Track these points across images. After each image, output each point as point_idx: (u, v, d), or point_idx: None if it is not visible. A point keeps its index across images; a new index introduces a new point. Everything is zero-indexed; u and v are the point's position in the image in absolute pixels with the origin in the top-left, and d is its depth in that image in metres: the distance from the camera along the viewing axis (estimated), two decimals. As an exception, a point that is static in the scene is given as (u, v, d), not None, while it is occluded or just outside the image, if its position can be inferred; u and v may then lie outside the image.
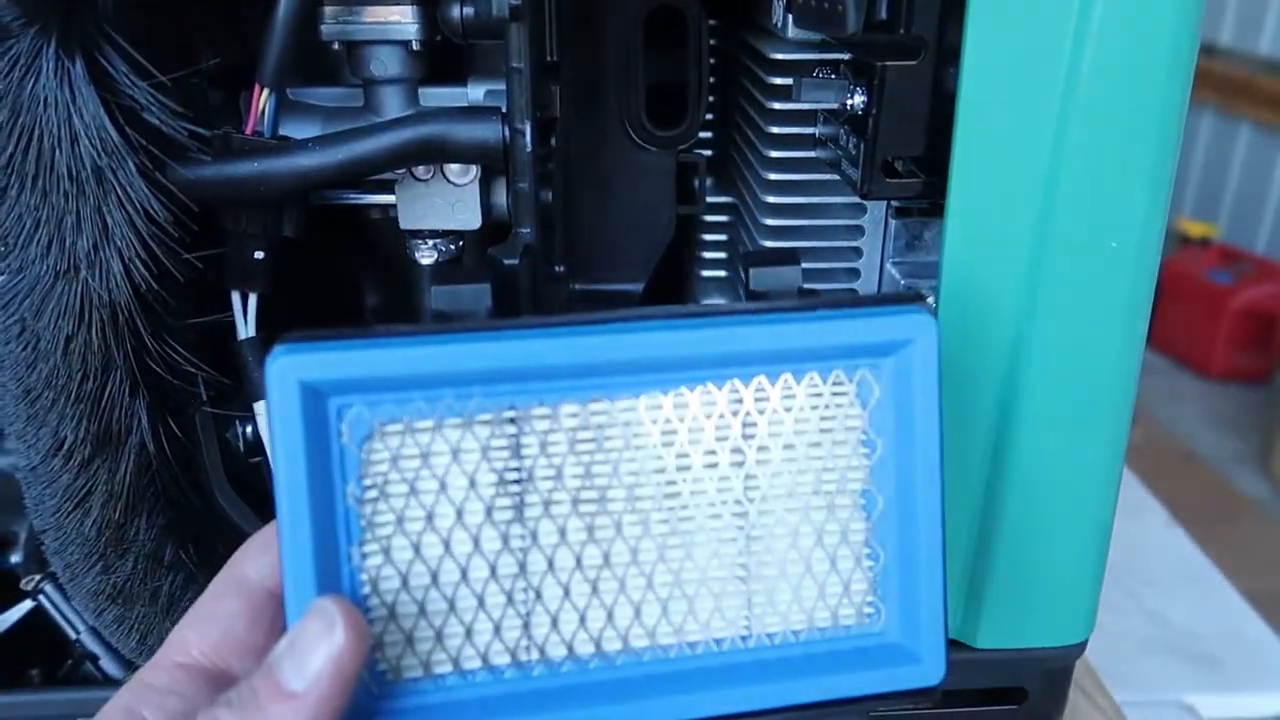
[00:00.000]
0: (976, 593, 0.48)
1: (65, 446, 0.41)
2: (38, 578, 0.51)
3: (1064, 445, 0.45)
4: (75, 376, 0.40)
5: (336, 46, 0.49)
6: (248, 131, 0.45)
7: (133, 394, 0.41)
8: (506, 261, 0.43)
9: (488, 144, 0.44)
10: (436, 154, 0.45)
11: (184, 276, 0.40)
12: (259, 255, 0.47)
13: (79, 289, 0.38)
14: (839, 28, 0.40)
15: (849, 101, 0.43)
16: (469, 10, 0.44)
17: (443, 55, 0.52)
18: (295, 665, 0.27)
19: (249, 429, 0.49)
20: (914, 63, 0.41)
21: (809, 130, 0.50)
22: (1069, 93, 0.39)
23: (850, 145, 0.44)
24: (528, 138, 0.43)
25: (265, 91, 0.45)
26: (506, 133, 0.44)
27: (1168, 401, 2.77)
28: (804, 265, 0.52)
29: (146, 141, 0.38)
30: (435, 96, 0.52)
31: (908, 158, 0.44)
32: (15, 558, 0.68)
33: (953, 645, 0.49)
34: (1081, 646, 0.50)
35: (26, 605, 0.53)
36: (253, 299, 0.48)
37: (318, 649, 0.27)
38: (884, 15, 0.40)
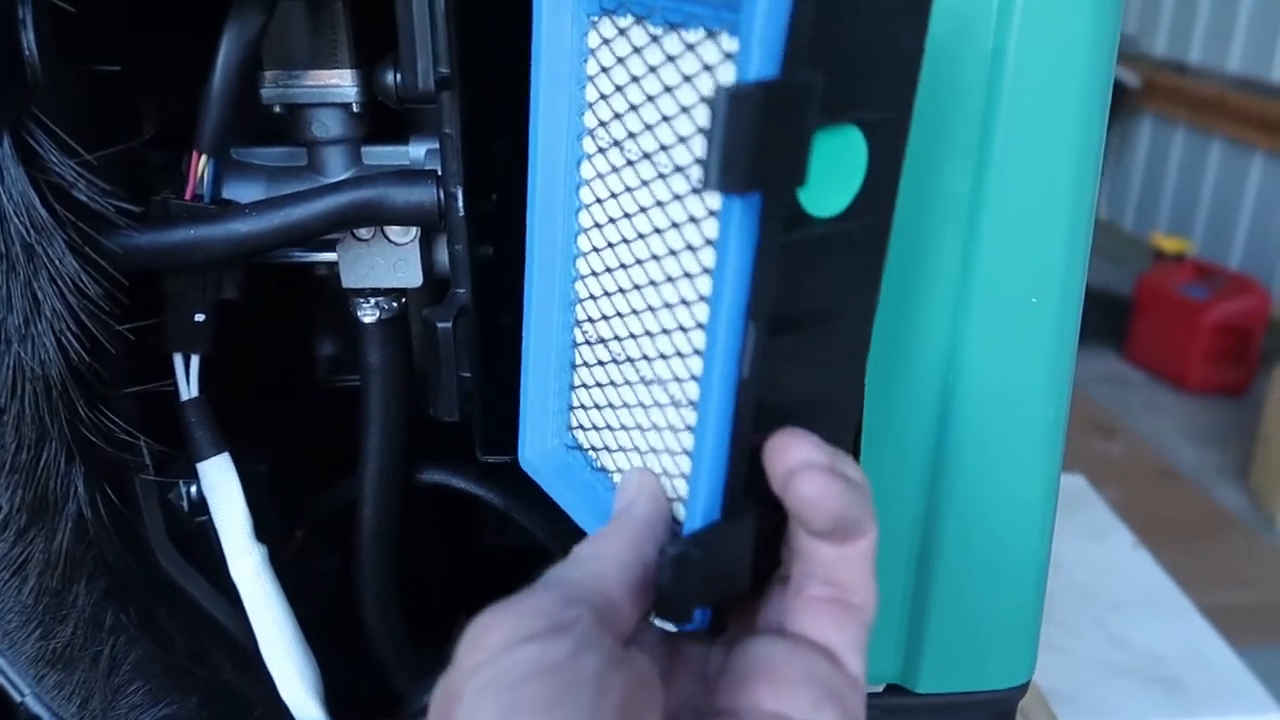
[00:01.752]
0: (916, 637, 0.49)
1: (1, 516, 0.41)
2: (-17, 640, 0.51)
3: (996, 490, 0.46)
4: (9, 447, 0.40)
5: (278, 109, 0.50)
6: (187, 196, 0.46)
7: (69, 463, 0.41)
8: (440, 325, 0.43)
9: (423, 207, 0.45)
10: (373, 217, 0.46)
11: (116, 348, 0.40)
12: (200, 318, 0.47)
13: (11, 363, 0.39)
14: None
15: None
16: (401, 77, 0.45)
17: (386, 113, 0.52)
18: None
19: (193, 489, 0.49)
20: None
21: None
22: (985, 146, 0.40)
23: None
24: (459, 201, 0.44)
25: (203, 157, 0.46)
26: (441, 195, 0.45)
27: (1146, 415, 2.79)
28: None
29: (76, 217, 0.38)
30: (378, 155, 0.52)
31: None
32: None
33: (894, 691, 0.50)
34: (1024, 688, 0.51)
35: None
36: (195, 360, 0.48)
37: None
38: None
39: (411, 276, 0.50)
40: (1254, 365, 2.83)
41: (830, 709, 0.29)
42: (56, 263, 0.38)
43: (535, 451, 0.42)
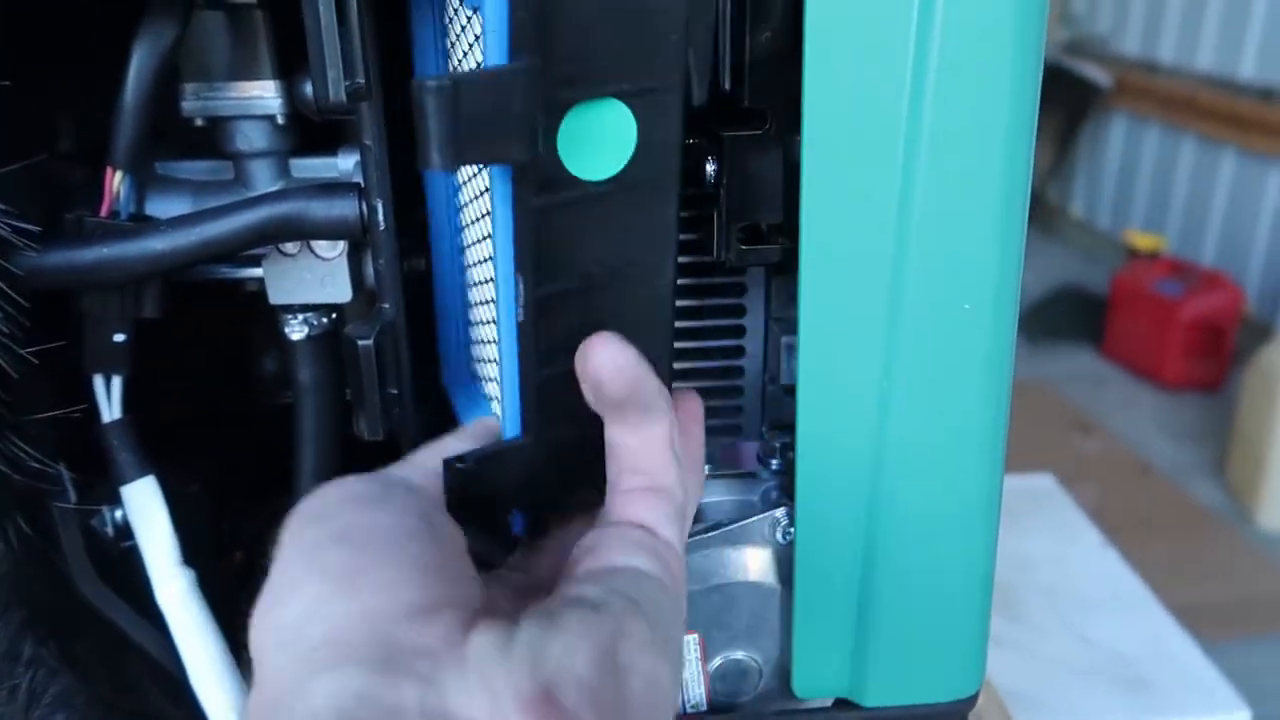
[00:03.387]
0: (862, 650, 0.48)
1: (-94, 548, 0.40)
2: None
3: (936, 500, 0.45)
4: (-89, 477, 0.39)
5: (200, 123, 0.49)
6: (103, 213, 0.45)
7: (-16, 490, 0.40)
8: (360, 342, 0.42)
9: (346, 221, 0.44)
10: (294, 232, 0.44)
11: (22, 372, 0.39)
12: (119, 338, 0.46)
13: (-90, 389, 0.38)
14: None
15: (707, 169, 0.43)
16: (314, 87, 0.44)
17: (315, 124, 0.51)
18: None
19: (118, 514, 0.48)
20: (758, 132, 0.41)
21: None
22: (910, 153, 0.39)
23: (710, 213, 0.44)
24: (381, 214, 0.43)
25: (118, 173, 0.45)
26: (364, 209, 0.44)
27: (1122, 411, 2.80)
28: (690, 323, 0.53)
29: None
30: (306, 167, 0.51)
31: (769, 224, 0.44)
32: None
33: (841, 705, 0.49)
34: (972, 700, 0.50)
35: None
36: (117, 381, 0.47)
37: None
38: (728, 87, 0.40)
39: (340, 292, 0.49)
40: (1228, 361, 2.85)
41: (645, 557, 0.34)
42: (-44, 284, 0.37)
43: (450, 378, 0.50)
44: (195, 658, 0.47)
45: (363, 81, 0.40)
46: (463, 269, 0.49)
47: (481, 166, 0.39)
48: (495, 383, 0.43)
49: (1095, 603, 0.99)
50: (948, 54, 0.38)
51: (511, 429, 0.38)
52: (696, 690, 0.50)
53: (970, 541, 0.46)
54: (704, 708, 0.51)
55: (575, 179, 0.35)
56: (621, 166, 0.36)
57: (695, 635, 0.49)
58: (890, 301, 0.41)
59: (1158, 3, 3.38)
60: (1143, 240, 3.20)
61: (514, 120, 0.32)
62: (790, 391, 0.54)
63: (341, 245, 0.48)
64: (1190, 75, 3.24)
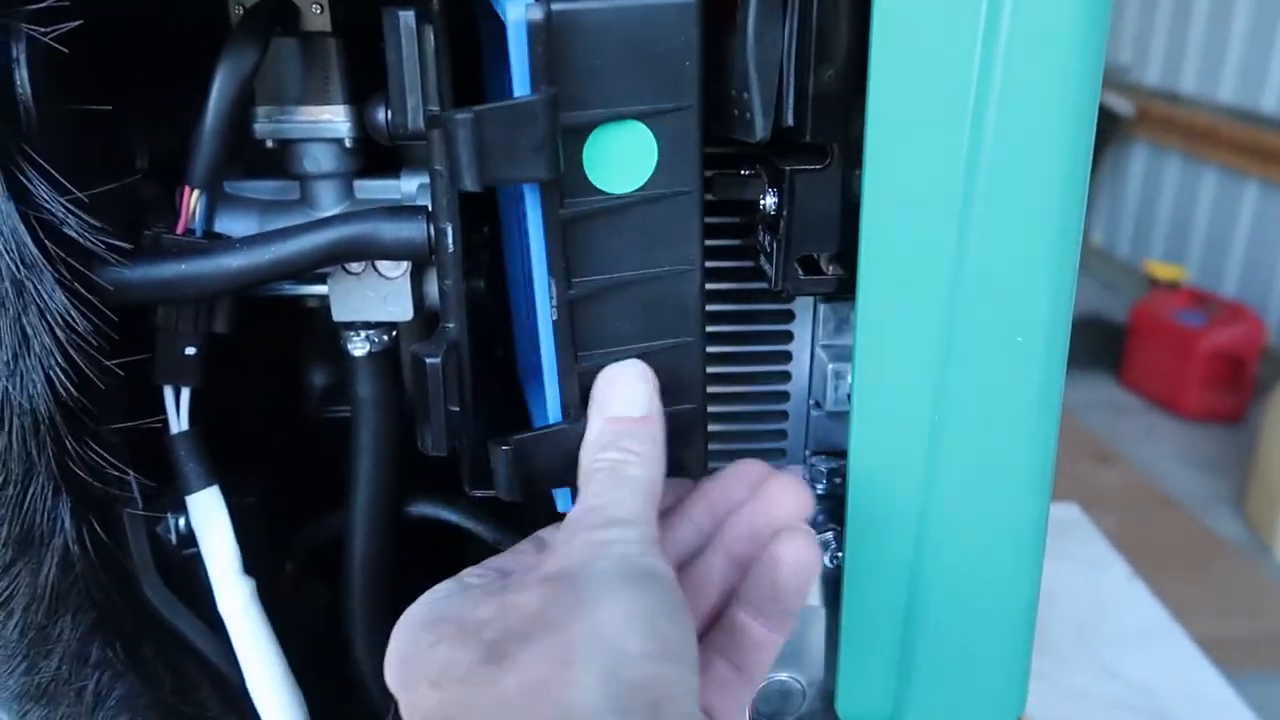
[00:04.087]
0: (906, 674, 0.48)
1: (-13, 551, 0.41)
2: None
3: (984, 527, 0.46)
4: (-5, 483, 0.40)
5: (270, 144, 0.51)
6: (179, 231, 0.46)
7: (55, 497, 0.41)
8: (429, 360, 0.43)
9: (413, 243, 0.45)
10: (364, 252, 0.46)
11: (105, 383, 0.40)
12: (190, 351, 0.48)
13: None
14: (749, 134, 0.42)
15: (763, 201, 0.44)
16: (391, 115, 0.45)
17: (378, 146, 0.53)
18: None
19: (181, 522, 0.49)
20: (820, 167, 0.42)
21: (732, 220, 0.51)
22: (968, 191, 0.40)
23: (766, 243, 0.45)
24: (449, 238, 0.44)
25: (195, 192, 0.46)
26: (432, 231, 0.45)
27: (1143, 442, 2.79)
28: (737, 348, 0.54)
29: (66, 253, 0.39)
30: (370, 189, 0.53)
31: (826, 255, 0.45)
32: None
33: (883, 728, 0.50)
34: (1013, 727, 0.51)
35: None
36: (185, 394, 0.49)
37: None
38: (790, 122, 0.42)
39: (402, 310, 0.50)
40: (1248, 392, 2.83)
41: None
42: (46, 298, 0.38)
43: (524, 374, 0.54)
44: (254, 666, 0.48)
45: (437, 109, 0.42)
46: (528, 272, 0.51)
47: None
48: None
49: (1122, 635, 0.99)
50: (1009, 92, 0.39)
51: (554, 414, 0.43)
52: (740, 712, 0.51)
53: (1016, 570, 0.47)
54: (746, 733, 0.51)
55: (601, 192, 0.39)
56: (644, 181, 0.40)
57: (741, 656, 0.50)
58: (945, 331, 0.42)
59: (1179, 33, 3.39)
60: (1163, 270, 3.19)
61: (534, 144, 0.36)
62: (835, 417, 0.55)
63: (405, 265, 0.50)
64: (1212, 106, 3.24)
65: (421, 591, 0.37)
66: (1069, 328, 0.44)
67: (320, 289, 0.51)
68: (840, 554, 0.49)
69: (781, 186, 0.43)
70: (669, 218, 0.41)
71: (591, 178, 0.39)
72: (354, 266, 0.50)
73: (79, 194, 0.38)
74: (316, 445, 0.66)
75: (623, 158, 0.39)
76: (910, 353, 0.43)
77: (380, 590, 0.55)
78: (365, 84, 0.49)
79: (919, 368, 0.43)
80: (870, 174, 0.40)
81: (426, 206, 0.46)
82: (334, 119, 0.50)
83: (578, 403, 0.42)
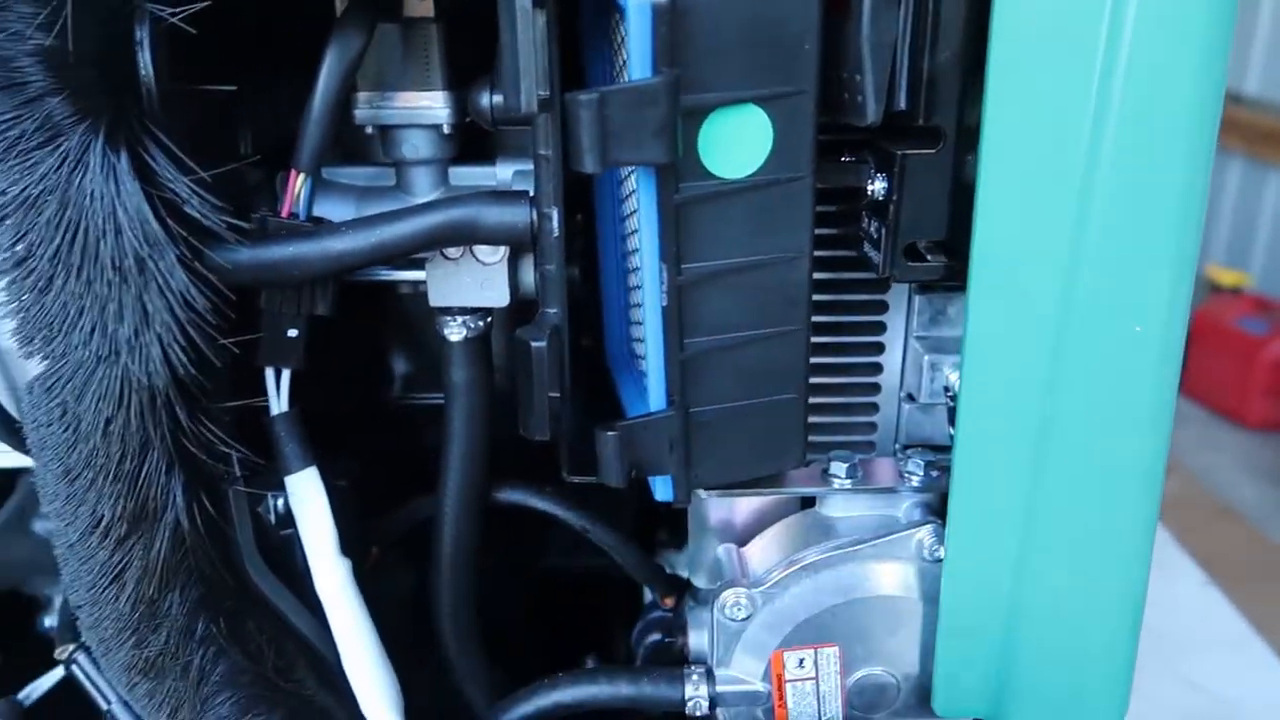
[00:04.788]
0: (1007, 673, 0.48)
1: (102, 524, 0.42)
2: (71, 647, 0.52)
3: (1093, 525, 0.45)
4: (114, 456, 0.41)
5: (370, 130, 0.51)
6: (283, 214, 0.47)
7: (169, 472, 0.42)
8: (534, 344, 0.43)
9: (515, 228, 0.45)
10: (465, 237, 0.46)
11: (221, 360, 0.41)
12: (292, 333, 0.48)
13: (119, 373, 0.40)
14: (859, 117, 0.41)
15: (870, 186, 0.44)
16: (499, 99, 0.45)
17: (470, 134, 0.53)
18: None
19: (280, 503, 0.50)
20: (933, 151, 0.42)
21: (828, 208, 0.51)
22: (1088, 177, 0.39)
23: (872, 229, 0.45)
24: (555, 222, 0.44)
25: (301, 176, 0.47)
26: (534, 216, 0.45)
27: (1203, 451, 2.72)
28: (826, 339, 0.53)
29: (186, 232, 0.39)
30: (465, 176, 0.53)
31: (930, 241, 0.44)
32: (49, 620, 0.69)
33: (981, 728, 0.49)
34: (1114, 731, 0.49)
35: (58, 674, 0.54)
36: (285, 375, 0.49)
37: None
38: (903, 105, 0.41)
39: (499, 296, 0.50)
40: (1315, 403, 2.75)
41: None
42: (167, 276, 0.39)
43: (613, 361, 0.55)
44: (351, 646, 0.49)
45: (547, 93, 0.42)
46: (624, 258, 0.52)
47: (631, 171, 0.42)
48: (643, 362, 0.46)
49: (1200, 644, 0.97)
50: (1133, 77, 0.38)
51: (656, 402, 0.43)
52: (832, 705, 0.50)
53: (1125, 569, 0.45)
54: (838, 722, 0.51)
55: (714, 177, 0.40)
56: (759, 166, 0.40)
57: (835, 649, 0.49)
58: (1060, 320, 0.41)
59: (1244, 35, 3.31)
60: (1225, 276, 3.11)
61: (655, 127, 0.37)
62: (928, 410, 0.55)
63: (502, 251, 0.50)
64: (1277, 109, 3.16)
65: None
66: (1187, 318, 0.43)
67: (416, 275, 0.51)
68: (940, 549, 0.48)
69: (892, 171, 0.42)
70: (781, 203, 0.41)
71: (706, 162, 0.39)
72: (452, 252, 0.50)
73: (202, 174, 0.39)
74: (397, 432, 0.66)
75: (738, 142, 0.39)
76: (1022, 342, 0.42)
77: (467, 574, 0.55)
78: (466, 70, 0.49)
79: (1031, 357, 0.42)
80: (987, 158, 0.40)
81: (528, 192, 0.46)
82: (433, 105, 0.50)
83: (681, 390, 0.42)
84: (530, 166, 0.52)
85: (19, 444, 0.45)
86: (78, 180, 0.38)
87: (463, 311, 0.51)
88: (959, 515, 0.45)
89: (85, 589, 0.43)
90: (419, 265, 0.51)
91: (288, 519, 0.50)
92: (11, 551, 0.62)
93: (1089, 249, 0.40)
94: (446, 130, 0.51)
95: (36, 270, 0.39)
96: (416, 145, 0.51)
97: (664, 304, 0.41)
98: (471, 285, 0.50)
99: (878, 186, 0.43)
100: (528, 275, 0.51)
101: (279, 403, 0.49)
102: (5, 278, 0.39)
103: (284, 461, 0.49)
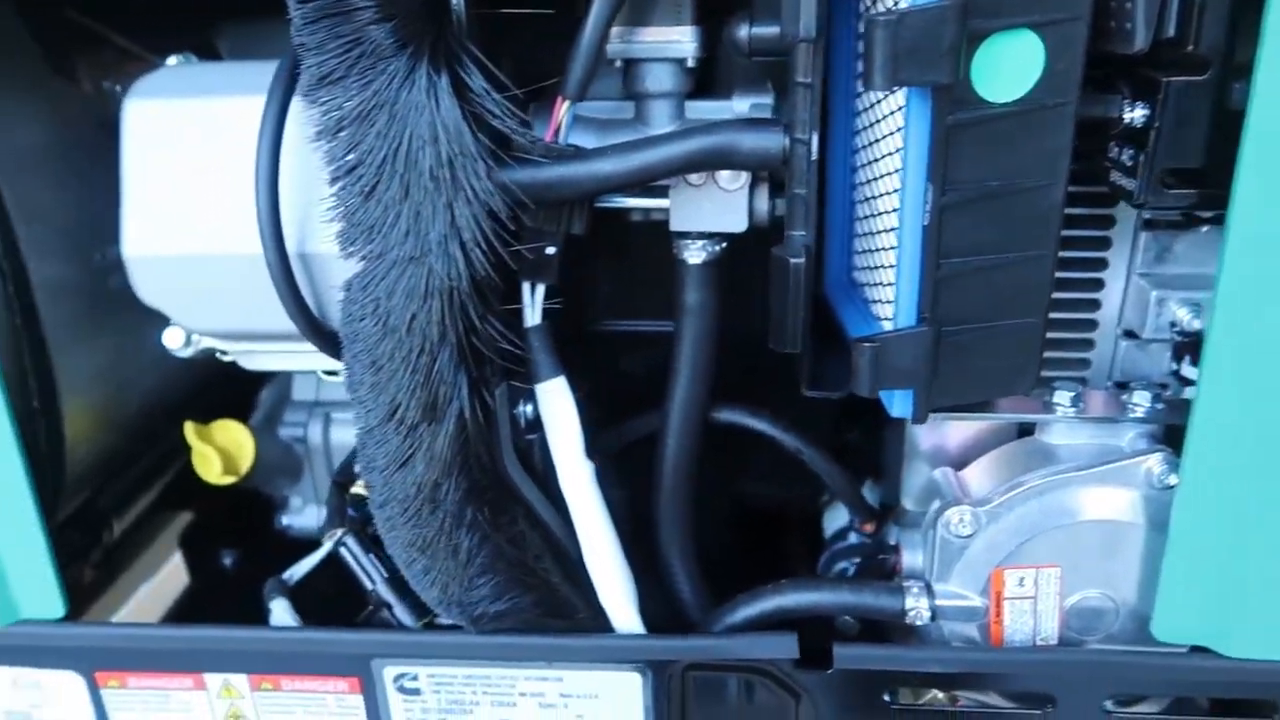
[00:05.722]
0: (1232, 600, 0.48)
1: (398, 412, 0.46)
2: (339, 532, 0.58)
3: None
4: (414, 350, 0.45)
5: (617, 64, 0.54)
6: (547, 139, 0.50)
7: (457, 370, 0.46)
8: (793, 260, 0.46)
9: (769, 153, 0.48)
10: (721, 161, 0.49)
11: (515, 265, 0.45)
12: (550, 251, 0.52)
13: (425, 274, 0.44)
14: (1126, 44, 0.42)
15: (1127, 115, 0.45)
16: (757, 30, 0.48)
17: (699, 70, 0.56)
18: None
19: (530, 408, 0.54)
20: (1201, 78, 0.42)
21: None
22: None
23: (1125, 157, 0.46)
24: (812, 147, 0.46)
25: (566, 104, 0.50)
26: (788, 142, 0.48)
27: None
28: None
29: (493, 146, 0.43)
30: (701, 110, 0.56)
31: (1178, 170, 0.45)
32: (286, 519, 0.76)
33: (1200, 652, 0.50)
34: (1337, 665, 0.50)
35: (317, 556, 0.60)
36: (540, 290, 0.53)
37: None
38: (1172, 33, 0.42)
39: (737, 221, 0.53)
40: None
41: None
42: (474, 184, 0.43)
43: (832, 287, 0.56)
44: (594, 542, 0.53)
45: (821, 23, 0.44)
46: (852, 188, 0.54)
47: (893, 91, 0.45)
48: (880, 286, 0.49)
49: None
50: None
51: (907, 317, 0.45)
52: (1049, 624, 0.52)
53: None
54: (1052, 641, 0.52)
55: (984, 101, 0.41)
56: (1027, 91, 0.41)
57: (1056, 569, 0.51)
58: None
59: None
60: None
61: (943, 48, 0.39)
62: (1145, 346, 0.55)
63: (744, 178, 0.52)
64: None
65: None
66: None
67: (656, 202, 0.55)
68: (1170, 477, 0.49)
69: (1154, 98, 0.43)
70: (1044, 129, 0.42)
71: (977, 86, 0.41)
72: (695, 179, 0.53)
73: (515, 90, 0.42)
74: (595, 355, 0.70)
75: (1010, 67, 0.41)
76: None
77: (687, 488, 0.59)
78: (713, 4, 0.52)
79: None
80: (1262, 85, 0.40)
81: (781, 119, 0.49)
82: (681, 39, 0.53)
83: (934, 307, 0.44)
84: (766, 100, 0.55)
85: (323, 343, 0.50)
86: (404, 95, 0.42)
87: (701, 236, 0.54)
88: (1199, 445, 0.46)
89: (379, 471, 0.48)
90: (655, 193, 0.54)
91: (534, 425, 0.54)
92: (260, 451, 0.68)
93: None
94: (690, 64, 0.53)
95: (364, 178, 0.43)
96: (660, 78, 0.54)
97: (925, 223, 0.43)
98: (712, 211, 0.53)
99: (1136, 114, 0.44)
100: (761, 203, 0.54)
101: (534, 315, 0.53)
102: (337, 184, 0.44)
103: (536, 369, 0.53)
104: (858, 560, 0.67)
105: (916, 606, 0.52)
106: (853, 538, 0.69)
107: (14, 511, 0.53)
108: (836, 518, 0.72)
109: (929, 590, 0.52)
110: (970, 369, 0.47)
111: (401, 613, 0.56)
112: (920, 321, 0.45)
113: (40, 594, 0.55)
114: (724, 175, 0.53)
